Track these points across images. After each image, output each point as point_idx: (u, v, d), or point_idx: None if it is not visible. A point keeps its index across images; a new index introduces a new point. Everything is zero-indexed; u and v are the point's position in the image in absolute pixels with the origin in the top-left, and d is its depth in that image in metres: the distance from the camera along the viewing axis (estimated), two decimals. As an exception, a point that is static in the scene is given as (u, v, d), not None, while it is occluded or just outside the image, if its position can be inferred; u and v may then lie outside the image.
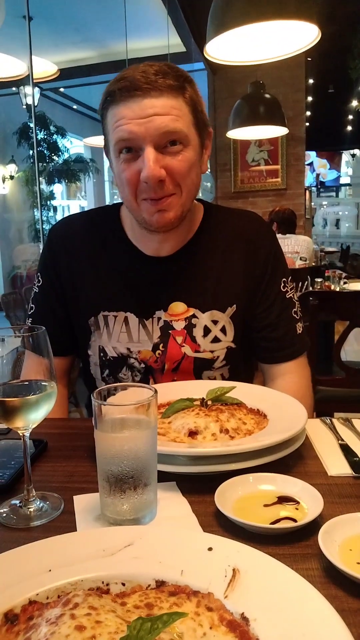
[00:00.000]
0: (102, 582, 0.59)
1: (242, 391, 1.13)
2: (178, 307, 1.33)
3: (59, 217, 11.38)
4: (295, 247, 5.04)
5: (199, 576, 0.59)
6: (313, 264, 5.24)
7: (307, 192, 8.42)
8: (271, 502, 0.82)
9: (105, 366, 1.37)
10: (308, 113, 9.03)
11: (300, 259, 5.02)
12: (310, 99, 9.43)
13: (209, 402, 1.08)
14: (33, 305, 1.42)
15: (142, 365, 1.34)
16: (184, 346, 1.33)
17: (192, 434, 0.99)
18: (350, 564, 0.65)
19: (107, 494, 0.78)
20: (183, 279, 1.34)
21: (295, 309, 1.39)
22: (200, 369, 1.34)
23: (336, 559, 0.65)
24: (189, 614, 0.54)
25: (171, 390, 1.16)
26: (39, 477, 0.94)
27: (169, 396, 1.12)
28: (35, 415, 0.81)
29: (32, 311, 1.42)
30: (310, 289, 4.35)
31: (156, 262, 1.34)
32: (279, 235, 5.08)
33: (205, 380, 1.34)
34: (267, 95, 4.61)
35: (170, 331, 1.33)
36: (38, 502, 0.84)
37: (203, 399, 1.09)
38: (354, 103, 11.93)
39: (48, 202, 11.55)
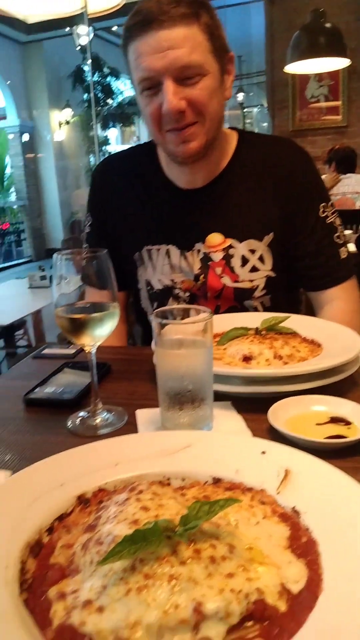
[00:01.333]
0: (164, 477, 0.65)
1: (296, 321, 1.15)
2: (215, 238, 1.35)
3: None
4: (355, 187, 4.84)
5: (252, 475, 0.64)
6: (375, 204, 5.03)
7: (371, 129, 7.97)
8: (323, 422, 0.85)
9: (153, 299, 1.43)
10: (374, 43, 8.43)
11: (361, 199, 4.83)
12: (376, 27, 8.77)
13: (264, 332, 1.11)
14: (87, 245, 1.51)
15: (187, 294, 1.39)
16: (223, 277, 1.36)
17: (247, 359, 1.02)
18: None
19: (167, 408, 0.84)
20: (218, 209, 1.35)
21: (338, 234, 1.37)
22: (240, 298, 1.37)
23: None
24: (244, 505, 0.58)
25: (226, 321, 1.19)
26: (104, 395, 1.00)
27: (224, 326, 1.15)
28: (100, 332, 0.87)
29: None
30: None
31: (191, 194, 1.37)
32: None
33: (259, 312, 1.36)
34: (328, 25, 4.34)
35: (209, 263, 1.35)
36: (104, 414, 0.91)
37: (257, 328, 1.11)
38: None
39: (103, 147, 11.46)
